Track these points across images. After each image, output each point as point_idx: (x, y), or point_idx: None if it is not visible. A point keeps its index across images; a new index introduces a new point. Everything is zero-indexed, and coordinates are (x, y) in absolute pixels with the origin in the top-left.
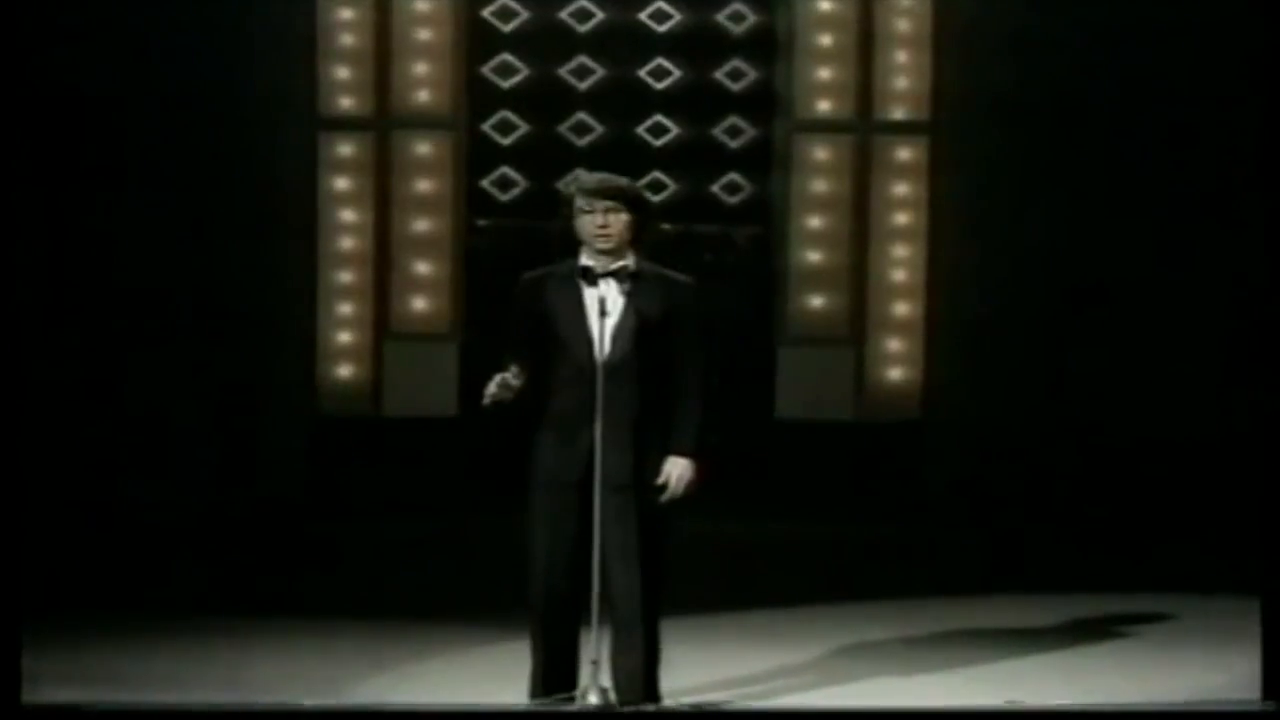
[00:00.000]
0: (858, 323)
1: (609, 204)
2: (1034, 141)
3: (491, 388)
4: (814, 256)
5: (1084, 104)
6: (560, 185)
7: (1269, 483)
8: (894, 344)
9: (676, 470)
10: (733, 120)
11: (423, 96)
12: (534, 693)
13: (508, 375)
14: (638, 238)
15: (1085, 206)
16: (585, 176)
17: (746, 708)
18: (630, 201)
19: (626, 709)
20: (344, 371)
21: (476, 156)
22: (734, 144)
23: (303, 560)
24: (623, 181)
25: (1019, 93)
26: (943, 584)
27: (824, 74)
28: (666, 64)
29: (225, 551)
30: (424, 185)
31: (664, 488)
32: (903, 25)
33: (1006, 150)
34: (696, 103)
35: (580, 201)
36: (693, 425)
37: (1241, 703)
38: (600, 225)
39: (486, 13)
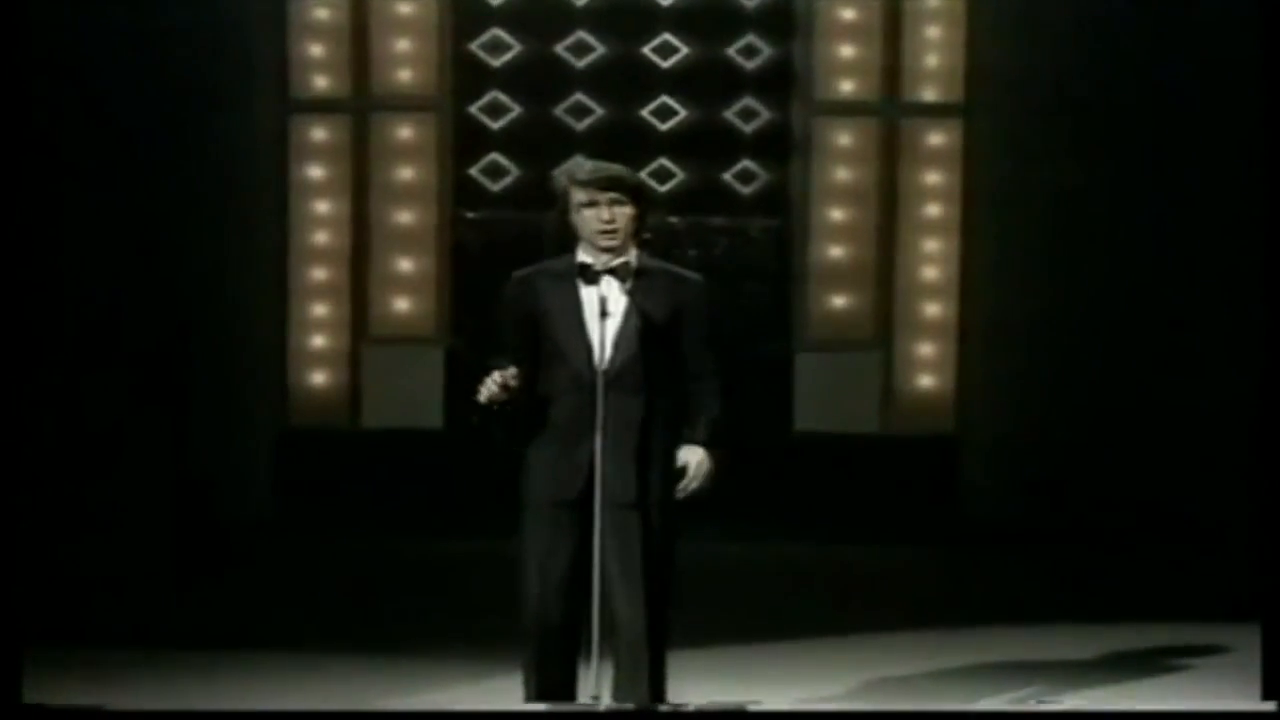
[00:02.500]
0: (884, 325)
1: (613, 196)
2: (1078, 125)
3: (493, 386)
4: (836, 252)
5: (1132, 84)
6: (555, 174)
7: (1267, 482)
8: (924, 348)
9: (694, 458)
10: (746, 102)
11: (404, 76)
12: None
13: (505, 376)
14: (639, 231)
15: (1133, 197)
16: (582, 167)
17: (747, 708)
18: (634, 194)
19: (626, 709)
20: (318, 379)
21: (464, 142)
22: (748, 128)
23: (271, 588)
24: (625, 171)
25: (1060, 71)
26: (979, 613)
27: (847, 51)
28: (673, 40)
29: (185, 578)
30: (406, 173)
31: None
32: None
33: (1047, 135)
34: (706, 83)
35: (580, 195)
36: (707, 417)
37: (1241, 704)
38: (606, 221)
39: None
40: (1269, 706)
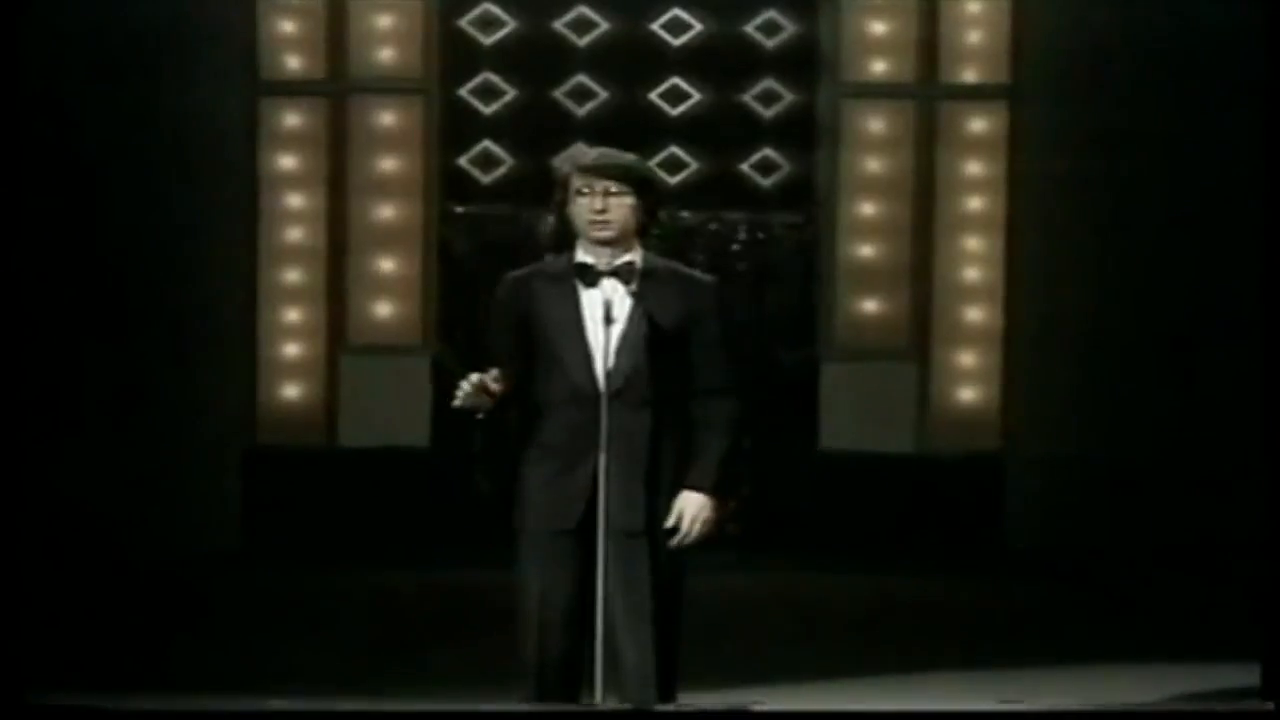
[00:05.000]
0: (921, 332)
1: (610, 185)
2: (1135, 109)
3: (466, 386)
4: (867, 250)
5: (1197, 63)
6: (554, 162)
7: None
8: (965, 358)
9: (691, 509)
10: (767, 84)
11: (386, 55)
12: None
13: (486, 377)
14: (646, 228)
15: (1198, 188)
16: (583, 152)
17: (749, 708)
18: (636, 183)
19: (627, 709)
20: (290, 392)
21: (453, 129)
22: (768, 113)
23: (239, 623)
24: (628, 158)
25: (1115, 50)
26: (1025, 652)
27: (879, 27)
28: (685, 15)
29: (143, 613)
30: (388, 163)
31: (674, 531)
32: None
33: (1101, 120)
34: (722, 63)
35: (576, 182)
36: (714, 455)
37: (1241, 703)
38: (597, 211)
39: None
40: (1269, 707)
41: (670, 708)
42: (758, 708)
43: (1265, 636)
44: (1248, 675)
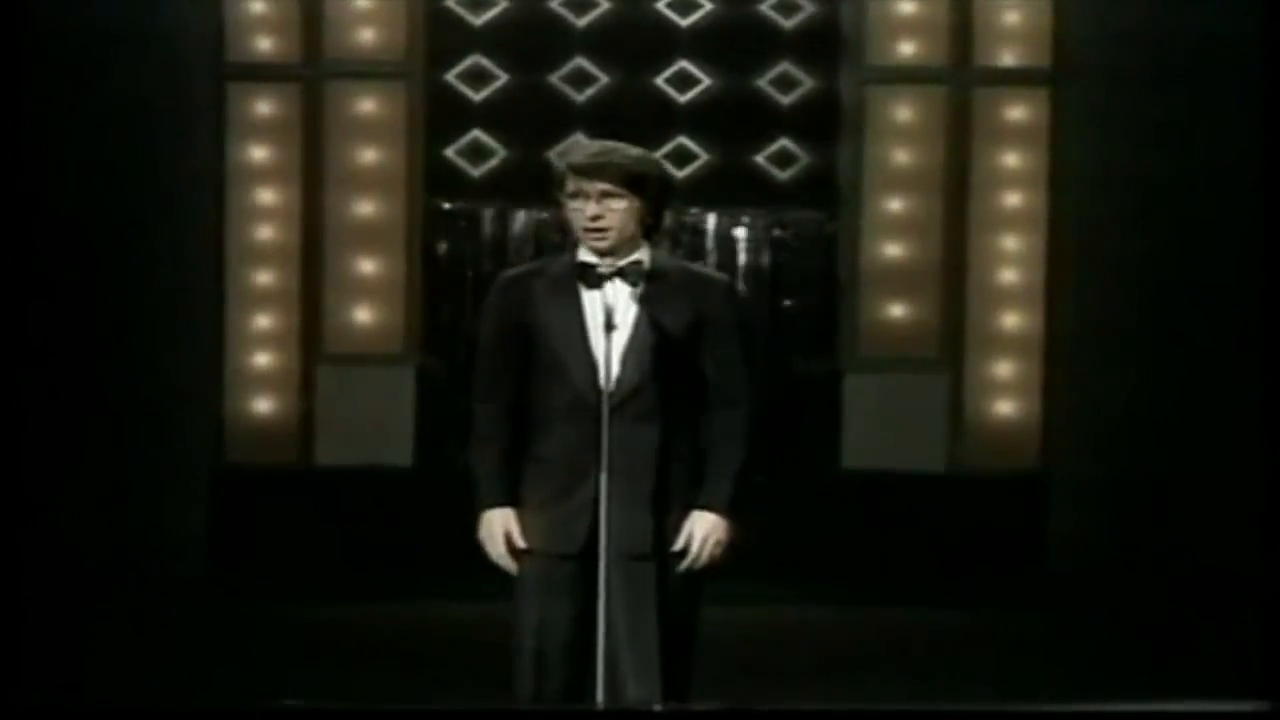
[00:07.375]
0: (953, 339)
1: (605, 186)
2: (1188, 96)
3: (501, 559)
4: (894, 250)
5: (1249, 48)
6: (551, 157)
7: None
8: (1002, 368)
9: (702, 530)
10: (784, 68)
11: (366, 37)
12: None
13: (510, 535)
14: (655, 226)
15: (1260, 182)
16: (584, 148)
17: (747, 708)
18: (636, 183)
19: (627, 709)
20: (261, 406)
21: (439, 117)
22: (786, 100)
23: (205, 657)
24: (628, 155)
25: (1168, 31)
26: (1070, 687)
27: (907, 6)
28: None
29: (104, 646)
30: (368, 155)
31: (685, 553)
32: None
33: (1150, 108)
34: (736, 45)
35: (569, 183)
36: (729, 473)
37: (1241, 703)
38: (592, 217)
39: None
40: (1268, 706)
41: (670, 708)
42: (758, 708)
43: (1264, 638)
44: None
